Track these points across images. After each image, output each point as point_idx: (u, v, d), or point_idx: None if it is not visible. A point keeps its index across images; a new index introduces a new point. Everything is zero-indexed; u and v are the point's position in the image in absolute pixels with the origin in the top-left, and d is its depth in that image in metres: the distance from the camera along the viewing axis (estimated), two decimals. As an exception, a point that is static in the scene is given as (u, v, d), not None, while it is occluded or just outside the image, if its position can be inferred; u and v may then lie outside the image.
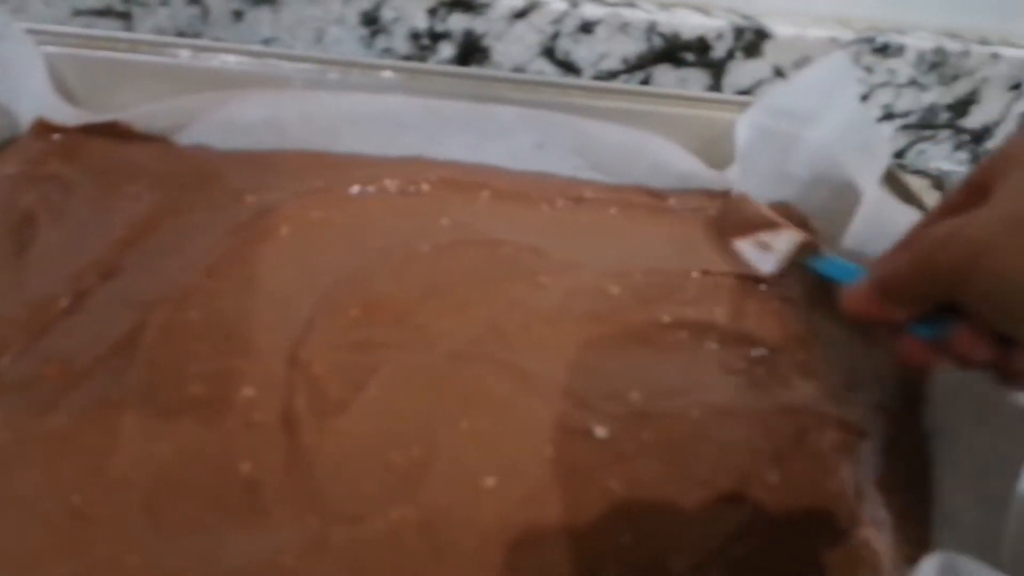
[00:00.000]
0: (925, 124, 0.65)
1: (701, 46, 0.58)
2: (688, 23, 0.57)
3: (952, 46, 0.61)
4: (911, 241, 0.35)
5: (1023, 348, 0.31)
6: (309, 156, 0.49)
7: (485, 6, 0.54)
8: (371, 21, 0.54)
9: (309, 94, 0.49)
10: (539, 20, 0.55)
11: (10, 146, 0.47)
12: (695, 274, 0.47)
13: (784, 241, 0.46)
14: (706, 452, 0.37)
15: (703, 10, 0.58)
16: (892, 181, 0.53)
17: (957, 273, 0.30)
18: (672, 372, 0.41)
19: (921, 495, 0.38)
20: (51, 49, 0.48)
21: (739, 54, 0.59)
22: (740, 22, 0.58)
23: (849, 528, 0.35)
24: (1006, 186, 0.30)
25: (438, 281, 0.42)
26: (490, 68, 0.57)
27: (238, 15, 0.53)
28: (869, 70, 0.61)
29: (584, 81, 0.58)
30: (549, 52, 0.57)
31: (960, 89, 0.63)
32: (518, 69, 0.57)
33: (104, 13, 0.52)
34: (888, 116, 0.64)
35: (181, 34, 0.54)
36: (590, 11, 0.56)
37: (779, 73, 0.60)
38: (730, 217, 0.49)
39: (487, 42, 0.56)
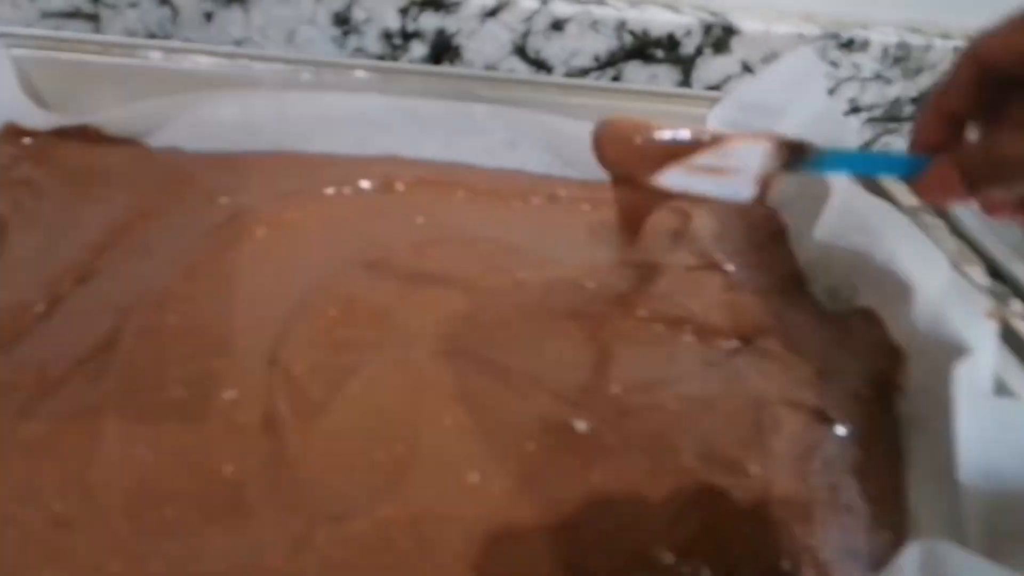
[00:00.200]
0: (890, 117, 0.66)
1: (670, 43, 0.59)
2: (657, 20, 0.58)
3: (915, 40, 0.62)
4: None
5: None
6: (283, 157, 0.49)
7: (456, 5, 0.54)
8: (343, 21, 0.54)
9: (282, 95, 0.49)
10: (510, 18, 0.55)
11: (-22, 151, 0.47)
12: (671, 269, 0.47)
13: (745, 156, 0.36)
14: (686, 443, 0.38)
15: (672, 7, 0.59)
16: (860, 173, 0.54)
17: None
18: (650, 365, 0.41)
19: (895, 481, 0.39)
20: (20, 52, 0.48)
21: (708, 50, 0.59)
22: (708, 19, 0.58)
23: (827, 515, 0.36)
24: None
25: (415, 279, 0.42)
26: (462, 67, 0.57)
27: (208, 16, 0.53)
28: (835, 65, 0.62)
29: (556, 79, 0.58)
30: (520, 50, 0.57)
31: (924, 82, 0.64)
32: (490, 67, 0.57)
33: (72, 15, 0.52)
34: (854, 110, 0.65)
35: (151, 36, 0.53)
36: (561, 9, 0.56)
37: (747, 68, 0.61)
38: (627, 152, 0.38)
39: (459, 41, 0.56)
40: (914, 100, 0.65)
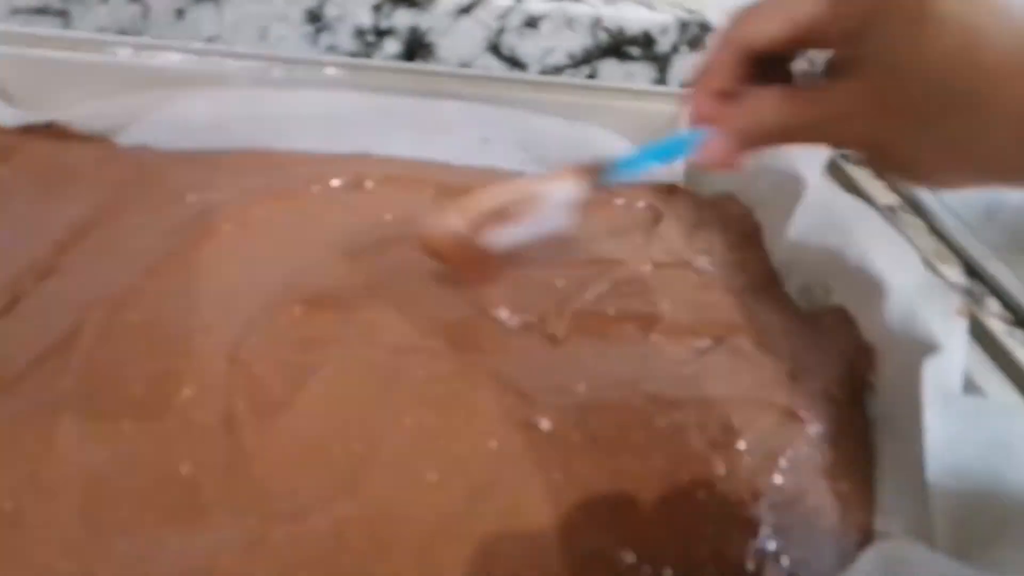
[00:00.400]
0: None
1: (646, 40, 0.58)
2: (633, 17, 0.57)
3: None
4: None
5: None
6: (253, 155, 0.49)
7: (429, 2, 0.54)
8: (315, 18, 0.53)
9: (253, 92, 0.49)
10: (484, 15, 0.55)
11: (-56, 148, 0.46)
12: (641, 267, 0.47)
13: (555, 194, 0.39)
14: (652, 443, 0.37)
15: (647, 5, 0.58)
16: (835, 171, 0.54)
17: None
18: (618, 364, 0.41)
19: (865, 482, 0.39)
20: (-15, 48, 0.47)
21: (684, 47, 0.59)
22: (684, 16, 0.58)
23: (794, 515, 0.36)
24: None
25: (382, 277, 0.42)
26: (436, 64, 0.57)
27: (180, 13, 0.52)
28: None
29: (530, 76, 0.58)
30: (495, 47, 0.57)
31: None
32: (464, 65, 0.57)
33: (42, 11, 0.51)
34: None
35: (122, 32, 0.53)
36: (535, 6, 0.56)
37: (725, 66, 0.61)
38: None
39: (432, 38, 0.55)
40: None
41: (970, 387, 0.39)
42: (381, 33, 0.55)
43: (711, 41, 0.34)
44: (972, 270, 0.51)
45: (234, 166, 0.48)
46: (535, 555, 0.32)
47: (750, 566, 0.33)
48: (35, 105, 0.48)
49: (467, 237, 0.39)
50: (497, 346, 0.40)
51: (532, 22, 0.56)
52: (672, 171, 0.52)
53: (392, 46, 0.55)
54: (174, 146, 0.49)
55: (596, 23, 0.57)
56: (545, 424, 0.37)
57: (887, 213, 0.50)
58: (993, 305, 0.48)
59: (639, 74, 0.60)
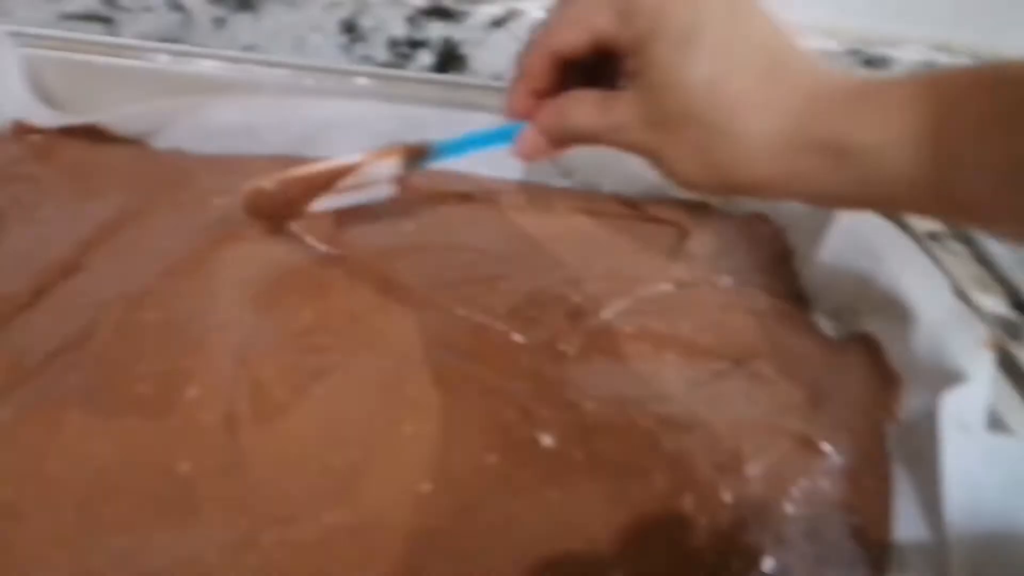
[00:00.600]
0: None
1: (684, 56, 0.57)
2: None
3: (943, 60, 0.60)
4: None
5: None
6: (281, 161, 0.50)
7: (463, 14, 0.54)
8: (350, 29, 0.54)
9: (284, 100, 0.50)
10: (517, 28, 0.55)
11: (-12, 147, 0.48)
12: (662, 285, 0.46)
13: (379, 170, 0.43)
14: (657, 466, 0.36)
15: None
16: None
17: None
18: (629, 383, 0.40)
19: (882, 516, 0.37)
20: (33, 52, 0.49)
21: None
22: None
23: (804, 549, 0.35)
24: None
25: (395, 286, 0.42)
26: (468, 76, 0.57)
27: (220, 22, 0.53)
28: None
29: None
30: (530, 61, 0.57)
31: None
32: (497, 77, 0.57)
33: (88, 18, 0.53)
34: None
35: (164, 39, 0.54)
36: (571, 20, 0.55)
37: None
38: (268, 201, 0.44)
39: (465, 50, 0.56)
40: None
41: (997, 423, 0.37)
42: (415, 44, 0.55)
43: (527, 45, 0.37)
44: (1020, 302, 0.49)
45: (261, 171, 0.49)
46: (525, 573, 0.32)
47: (751, 598, 0.32)
48: (77, 107, 0.49)
49: (272, 191, 0.43)
50: (506, 360, 0.40)
51: (566, 36, 0.56)
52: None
53: (425, 57, 0.56)
54: (207, 150, 0.50)
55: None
56: (547, 440, 0.36)
57: (926, 239, 0.48)
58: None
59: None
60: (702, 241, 0.50)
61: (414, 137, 0.50)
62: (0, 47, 0.48)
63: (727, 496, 0.36)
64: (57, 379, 0.36)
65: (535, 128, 0.37)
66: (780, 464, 0.37)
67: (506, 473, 0.35)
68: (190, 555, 0.30)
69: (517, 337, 0.41)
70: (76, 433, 0.34)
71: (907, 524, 0.36)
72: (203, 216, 0.45)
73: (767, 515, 0.35)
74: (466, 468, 0.34)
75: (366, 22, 0.54)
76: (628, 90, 0.33)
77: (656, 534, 0.34)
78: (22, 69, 0.48)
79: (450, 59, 0.56)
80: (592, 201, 0.50)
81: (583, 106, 0.35)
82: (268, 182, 0.43)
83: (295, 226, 0.45)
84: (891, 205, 0.33)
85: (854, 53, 0.58)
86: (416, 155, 0.43)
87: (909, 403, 0.39)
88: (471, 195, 0.49)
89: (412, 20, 0.54)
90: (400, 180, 0.43)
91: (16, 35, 0.48)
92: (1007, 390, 0.39)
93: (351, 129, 0.50)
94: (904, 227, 0.48)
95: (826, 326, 0.46)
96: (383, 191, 0.43)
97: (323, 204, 0.43)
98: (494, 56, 0.56)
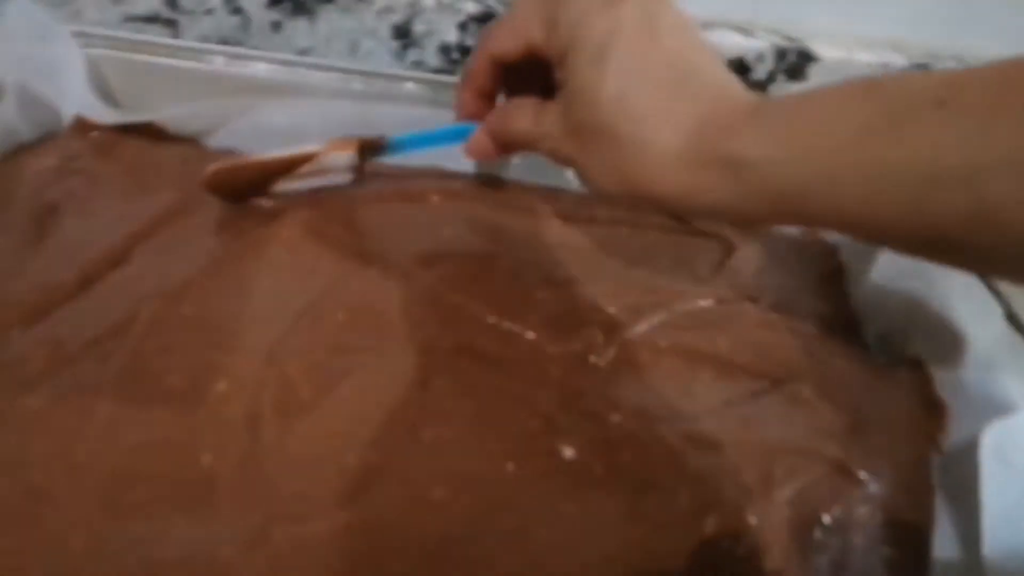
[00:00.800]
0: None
1: (740, 67, 0.56)
2: (726, 43, 0.55)
3: (1017, 75, 0.57)
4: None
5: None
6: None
7: (516, 22, 0.54)
8: (403, 34, 0.55)
9: (332, 103, 0.50)
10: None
11: (51, 141, 0.50)
12: (703, 301, 0.45)
13: (337, 160, 0.45)
14: (680, 484, 0.35)
15: (745, 31, 0.56)
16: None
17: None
18: (660, 399, 0.39)
19: (919, 551, 0.35)
20: (96, 52, 0.51)
21: (781, 77, 0.57)
22: (783, 44, 0.56)
23: (833, 579, 0.33)
24: None
25: (429, 291, 0.42)
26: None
27: (277, 26, 0.55)
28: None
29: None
30: (582, 69, 0.56)
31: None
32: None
33: (152, 20, 0.55)
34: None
35: (223, 42, 0.56)
36: (625, 29, 0.55)
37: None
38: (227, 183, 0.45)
39: (516, 57, 0.55)
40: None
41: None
42: (466, 51, 0.55)
43: (474, 50, 0.39)
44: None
45: (308, 173, 0.50)
46: (535, 587, 0.31)
47: (771, 628, 0.31)
48: (135, 106, 0.51)
49: (233, 171, 0.45)
50: (535, 369, 0.39)
51: (618, 45, 0.55)
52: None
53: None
54: (257, 151, 0.51)
55: (687, 48, 0.55)
56: (568, 452, 0.35)
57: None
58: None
59: (730, 102, 0.58)
60: (748, 257, 0.49)
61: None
62: (66, 47, 0.49)
63: (752, 519, 0.34)
64: (93, 368, 0.36)
65: (483, 130, 0.40)
66: (812, 489, 0.36)
67: (523, 482, 0.34)
68: (204, 546, 0.31)
69: (548, 347, 0.40)
70: (106, 421, 0.34)
71: (944, 561, 0.34)
72: (248, 215, 0.46)
73: (793, 541, 0.34)
74: (483, 475, 0.34)
75: (418, 27, 0.54)
76: (556, 100, 0.35)
77: (674, 554, 0.33)
78: (86, 68, 0.50)
79: (500, 66, 0.56)
80: (635, 212, 0.49)
81: (522, 113, 0.37)
82: (230, 164, 0.45)
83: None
84: (796, 220, 0.33)
85: (920, 67, 0.56)
86: (372, 147, 0.45)
87: (955, 433, 0.37)
88: (511, 202, 0.49)
89: (464, 27, 0.54)
90: (356, 169, 0.45)
91: (80, 35, 0.50)
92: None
93: (396, 133, 0.51)
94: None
95: (874, 349, 0.45)
96: (340, 179, 0.45)
97: (283, 187, 0.46)
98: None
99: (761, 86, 0.57)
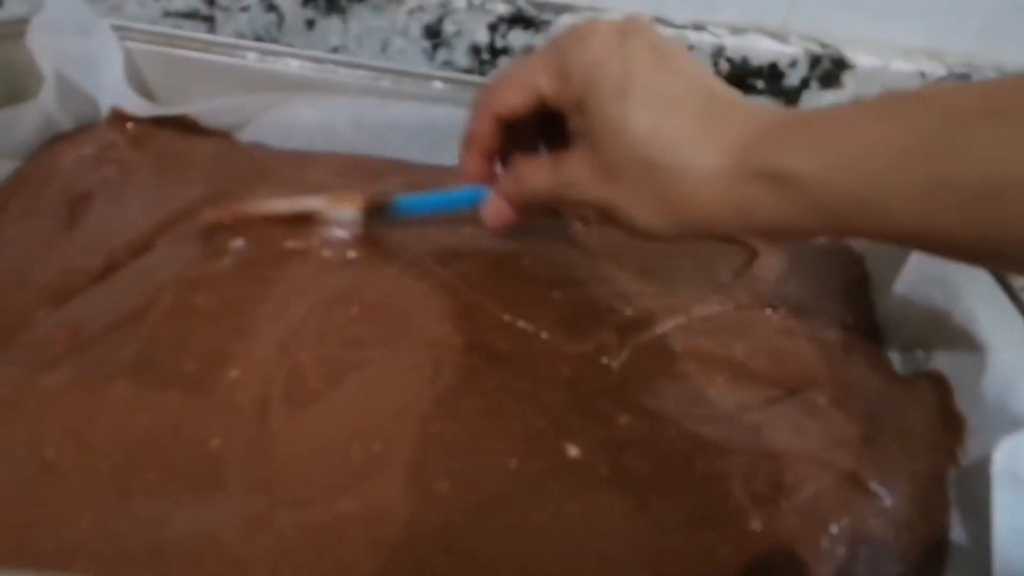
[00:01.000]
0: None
1: (772, 73, 0.56)
2: (760, 48, 0.55)
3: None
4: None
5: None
6: (354, 159, 0.51)
7: (546, 23, 0.54)
8: (434, 34, 0.55)
9: (361, 100, 0.51)
10: (598, 39, 0.54)
11: (88, 131, 0.51)
12: (722, 306, 0.44)
13: (335, 217, 0.44)
14: (686, 488, 0.35)
15: (777, 36, 0.56)
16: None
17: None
18: (671, 402, 0.39)
19: (931, 568, 0.35)
20: (134, 45, 0.52)
21: (815, 83, 0.56)
22: (816, 50, 0.55)
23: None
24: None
25: (444, 287, 0.42)
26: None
27: (311, 23, 0.56)
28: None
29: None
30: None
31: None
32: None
33: (190, 16, 0.56)
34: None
35: (258, 39, 0.57)
36: (655, 33, 0.54)
37: (861, 106, 0.57)
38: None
39: (545, 59, 0.56)
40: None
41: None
42: (496, 52, 0.56)
43: (473, 110, 0.39)
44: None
45: (335, 168, 0.50)
46: (533, 582, 0.31)
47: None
48: (171, 99, 0.52)
49: (230, 226, 0.44)
50: (546, 369, 0.39)
51: (647, 48, 0.55)
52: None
53: (506, 64, 0.56)
54: (286, 146, 0.52)
55: (718, 52, 0.55)
56: (573, 452, 0.35)
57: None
58: None
59: (761, 108, 0.57)
60: (771, 264, 0.48)
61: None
62: (106, 40, 0.51)
63: (757, 525, 0.34)
64: (111, 351, 0.37)
65: (498, 195, 0.39)
66: (820, 499, 0.35)
67: (526, 480, 0.34)
68: (208, 528, 0.31)
69: (561, 347, 0.40)
70: (120, 403, 0.35)
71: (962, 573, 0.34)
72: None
73: (798, 550, 0.33)
74: (486, 471, 0.34)
75: (449, 28, 0.55)
76: (576, 148, 0.35)
77: (675, 558, 0.33)
78: (124, 61, 0.51)
79: (529, 67, 0.56)
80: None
81: (538, 170, 0.37)
82: (228, 216, 0.44)
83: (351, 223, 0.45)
84: (847, 232, 0.33)
85: (960, 78, 0.55)
86: (376, 207, 0.44)
87: (973, 448, 0.36)
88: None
89: (494, 27, 0.54)
90: (359, 228, 0.44)
91: (119, 29, 0.51)
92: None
93: (423, 132, 0.51)
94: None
95: (896, 360, 0.44)
96: (341, 235, 0.45)
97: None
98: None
99: (795, 92, 0.57)
